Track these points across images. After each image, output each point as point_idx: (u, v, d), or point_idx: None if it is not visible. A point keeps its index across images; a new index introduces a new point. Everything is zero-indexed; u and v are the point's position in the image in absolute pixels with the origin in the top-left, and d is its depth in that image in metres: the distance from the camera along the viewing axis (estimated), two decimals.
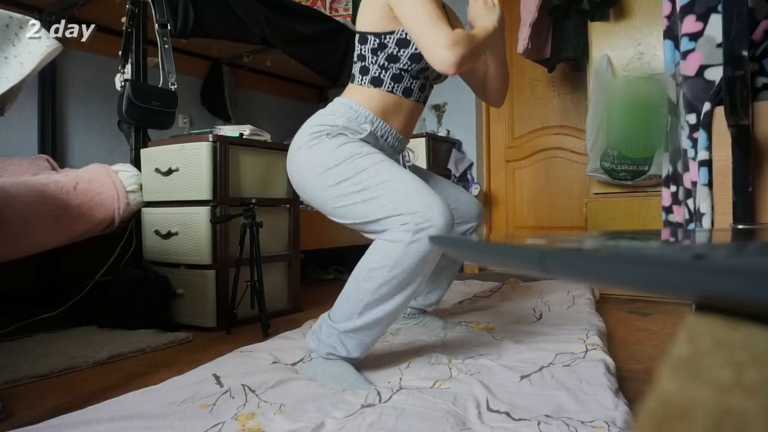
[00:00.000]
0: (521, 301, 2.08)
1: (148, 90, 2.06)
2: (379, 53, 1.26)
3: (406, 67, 1.26)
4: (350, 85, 1.33)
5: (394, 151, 1.36)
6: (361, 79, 1.29)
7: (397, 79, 1.27)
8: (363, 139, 1.26)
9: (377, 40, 1.25)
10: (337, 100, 1.32)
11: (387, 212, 1.13)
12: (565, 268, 0.22)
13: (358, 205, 1.17)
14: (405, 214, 1.11)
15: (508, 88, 1.50)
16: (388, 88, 1.27)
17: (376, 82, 1.27)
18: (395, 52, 1.25)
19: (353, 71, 1.32)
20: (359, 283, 1.16)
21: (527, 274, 2.28)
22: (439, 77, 1.36)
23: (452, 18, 1.43)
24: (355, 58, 1.31)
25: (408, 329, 1.65)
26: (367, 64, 1.28)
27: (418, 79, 1.30)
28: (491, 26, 1.27)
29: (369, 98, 1.28)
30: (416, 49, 1.22)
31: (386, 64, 1.26)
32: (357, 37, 1.30)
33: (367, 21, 1.27)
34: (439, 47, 1.12)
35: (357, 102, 1.27)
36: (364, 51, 1.28)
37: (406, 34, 1.22)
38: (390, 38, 1.24)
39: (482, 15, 1.30)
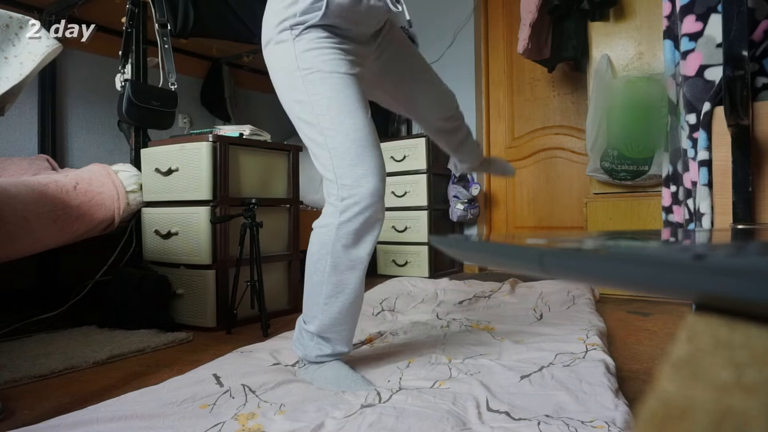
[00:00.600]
0: (521, 301, 2.08)
1: (148, 90, 2.06)
2: None
3: None
4: None
5: None
6: None
7: None
8: (330, 23, 1.13)
9: None
10: None
11: (322, 170, 1.14)
12: (565, 268, 0.22)
13: (306, 138, 1.16)
14: (333, 181, 1.11)
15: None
16: None
17: None
18: None
19: None
20: (312, 278, 1.18)
21: (527, 274, 2.29)
22: None
23: None
24: None
25: (408, 329, 1.65)
26: None
27: None
28: None
29: None
30: None
31: None
32: None
33: None
34: None
35: None
36: None
37: None
38: None
39: None
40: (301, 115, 1.16)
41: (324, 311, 1.16)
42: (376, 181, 1.11)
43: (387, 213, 3.13)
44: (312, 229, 1.19)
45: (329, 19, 1.13)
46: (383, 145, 1.48)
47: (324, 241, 1.14)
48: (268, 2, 1.20)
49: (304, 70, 1.13)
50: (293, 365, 1.31)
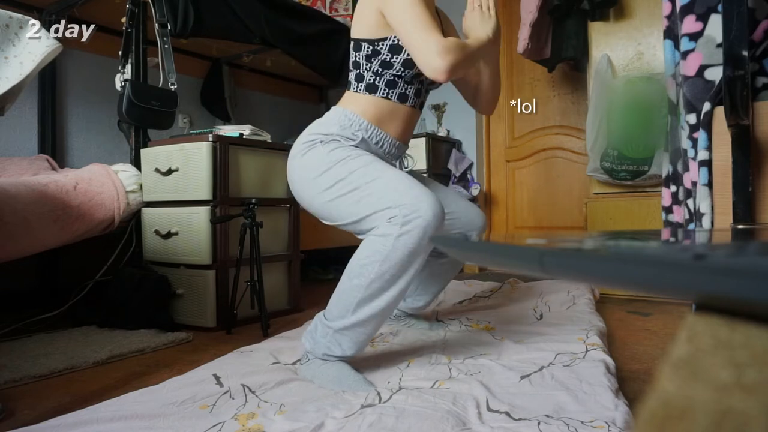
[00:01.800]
0: (521, 301, 2.08)
1: (148, 90, 2.06)
2: (372, 60, 1.27)
3: (399, 72, 1.27)
4: (347, 93, 1.34)
5: (391, 157, 1.37)
6: (357, 87, 1.31)
7: (391, 85, 1.28)
8: (355, 146, 1.27)
9: (370, 47, 1.26)
10: (333, 108, 1.33)
11: (375, 207, 1.15)
12: (565, 268, 0.22)
13: (351, 205, 1.18)
14: (393, 207, 1.13)
15: (498, 97, 1.50)
16: (383, 94, 1.29)
17: (371, 88, 1.29)
18: (388, 59, 1.25)
19: (349, 79, 1.33)
20: (351, 280, 1.18)
21: (527, 274, 2.28)
22: (434, 83, 1.35)
23: (446, 25, 1.44)
24: (351, 66, 1.32)
25: (407, 330, 1.65)
26: (361, 71, 1.29)
27: (412, 85, 1.31)
28: (485, 36, 1.26)
29: (364, 105, 1.29)
30: (408, 55, 1.22)
31: (380, 70, 1.27)
32: (352, 44, 1.31)
33: (360, 28, 1.27)
34: (430, 54, 1.12)
35: (352, 111, 1.28)
36: (359, 58, 1.29)
37: (398, 40, 1.22)
38: (383, 45, 1.25)
39: (477, 25, 1.28)
40: (340, 192, 1.20)
41: (354, 312, 1.17)
42: (435, 203, 1.14)
43: None
44: (366, 237, 1.19)
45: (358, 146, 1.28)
46: None
47: (378, 249, 1.14)
48: (308, 127, 1.32)
49: (336, 161, 1.21)
50: (293, 364, 1.31)
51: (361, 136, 1.27)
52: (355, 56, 1.30)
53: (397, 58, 1.25)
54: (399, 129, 1.33)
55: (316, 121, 1.32)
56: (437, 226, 1.14)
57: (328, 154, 1.23)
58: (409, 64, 1.25)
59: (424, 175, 1.53)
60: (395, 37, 1.23)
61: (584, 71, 2.77)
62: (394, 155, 1.37)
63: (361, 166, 1.20)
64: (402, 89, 1.29)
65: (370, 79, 1.28)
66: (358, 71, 1.30)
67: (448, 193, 1.55)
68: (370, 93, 1.29)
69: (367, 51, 1.27)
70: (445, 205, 1.40)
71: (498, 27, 1.31)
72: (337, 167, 1.21)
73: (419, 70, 1.22)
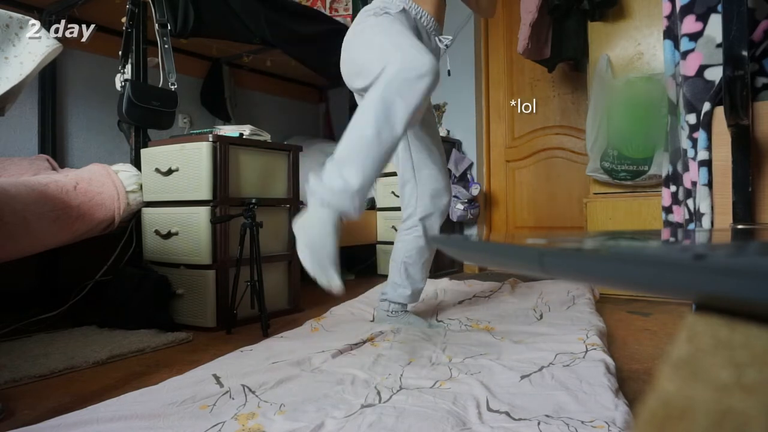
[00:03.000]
0: (521, 301, 2.08)
1: (148, 90, 2.06)
2: None
3: None
4: None
5: (433, 31, 1.59)
6: None
7: None
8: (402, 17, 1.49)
9: None
10: None
11: (383, 54, 1.40)
12: (565, 268, 0.23)
13: (375, 38, 1.43)
14: (390, 63, 1.36)
15: None
16: None
17: None
18: None
19: None
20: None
21: (527, 274, 2.28)
22: None
23: None
24: None
25: (408, 329, 1.65)
26: None
27: None
28: None
29: None
30: None
31: None
32: None
33: None
34: None
35: None
36: None
37: None
38: None
39: None
40: (373, 31, 1.53)
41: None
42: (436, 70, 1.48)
43: (387, 213, 3.13)
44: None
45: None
46: None
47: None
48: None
49: (381, 23, 1.46)
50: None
51: (402, 6, 1.50)
52: None
53: None
54: (433, 7, 1.57)
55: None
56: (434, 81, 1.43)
57: (378, 18, 1.47)
58: None
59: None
60: None
61: (584, 71, 2.77)
62: (431, 30, 1.59)
63: (400, 31, 1.42)
64: None
65: None
66: None
67: (436, 167, 1.83)
68: None
69: None
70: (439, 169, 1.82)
71: None
72: (381, 24, 1.45)
73: None
